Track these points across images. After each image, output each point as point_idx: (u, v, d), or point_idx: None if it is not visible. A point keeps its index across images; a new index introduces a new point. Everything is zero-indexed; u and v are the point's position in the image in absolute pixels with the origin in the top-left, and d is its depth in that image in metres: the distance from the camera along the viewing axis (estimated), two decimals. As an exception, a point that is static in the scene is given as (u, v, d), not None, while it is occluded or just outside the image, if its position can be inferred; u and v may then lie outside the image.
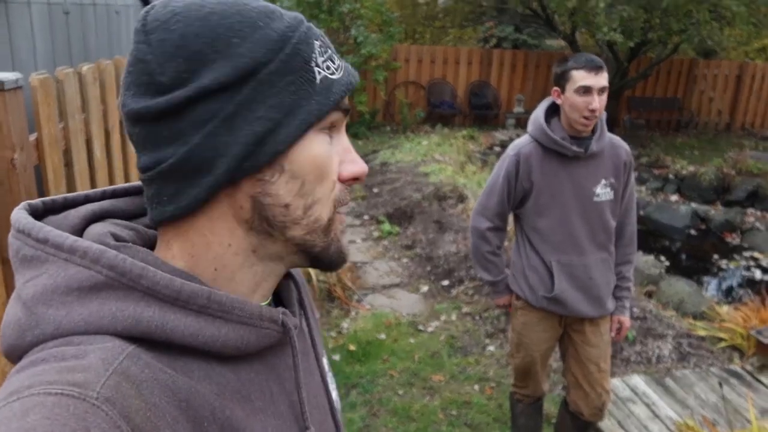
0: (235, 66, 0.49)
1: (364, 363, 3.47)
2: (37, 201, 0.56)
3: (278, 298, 0.65)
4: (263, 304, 0.60)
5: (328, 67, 0.54)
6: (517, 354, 2.31)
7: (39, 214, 0.55)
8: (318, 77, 0.53)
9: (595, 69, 1.93)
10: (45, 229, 0.50)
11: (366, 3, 10.30)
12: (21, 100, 1.70)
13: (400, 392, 3.22)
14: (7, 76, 1.61)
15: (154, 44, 0.49)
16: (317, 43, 0.54)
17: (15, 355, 0.48)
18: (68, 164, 2.30)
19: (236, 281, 0.56)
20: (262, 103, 0.50)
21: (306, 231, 0.56)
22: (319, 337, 0.71)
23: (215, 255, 0.54)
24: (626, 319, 2.23)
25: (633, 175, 2.16)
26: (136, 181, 0.62)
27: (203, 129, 0.49)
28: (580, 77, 1.94)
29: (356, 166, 0.58)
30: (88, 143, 2.55)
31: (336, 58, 0.57)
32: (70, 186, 2.25)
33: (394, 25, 10.68)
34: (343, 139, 0.58)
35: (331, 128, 0.56)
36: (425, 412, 3.06)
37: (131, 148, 3.24)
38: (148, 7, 0.52)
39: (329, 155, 0.56)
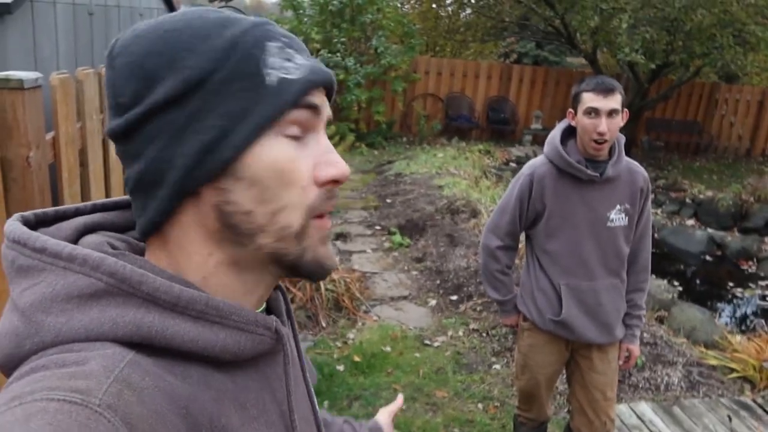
0: (183, 79, 0.50)
1: (368, 375, 3.45)
2: (29, 213, 0.57)
3: (268, 309, 0.65)
4: (257, 311, 0.60)
5: (285, 68, 0.53)
6: (522, 376, 2.28)
7: (31, 226, 0.56)
8: (270, 79, 0.52)
9: (605, 91, 1.91)
10: (42, 238, 0.51)
11: (388, 14, 10.36)
12: (40, 99, 1.72)
13: (403, 407, 3.19)
14: (27, 75, 1.63)
15: (117, 68, 0.52)
16: (274, 45, 0.53)
17: (11, 365, 0.48)
18: (83, 164, 2.32)
19: (225, 290, 0.56)
20: (211, 111, 0.51)
21: (275, 238, 0.54)
22: (303, 350, 0.72)
23: (197, 264, 0.55)
24: (635, 348, 2.19)
25: (650, 202, 2.13)
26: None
27: (156, 143, 0.51)
28: (589, 99, 1.93)
29: (334, 168, 0.55)
30: (105, 144, 2.58)
31: (299, 57, 0.55)
32: (84, 186, 2.27)
33: (416, 37, 10.71)
34: (320, 140, 0.56)
35: (305, 129, 0.55)
36: (427, 428, 3.02)
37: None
38: (120, 35, 0.55)
39: (293, 159, 0.54)
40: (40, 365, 0.45)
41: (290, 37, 0.57)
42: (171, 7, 4.93)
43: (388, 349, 3.74)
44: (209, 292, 0.55)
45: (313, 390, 0.71)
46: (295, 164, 0.54)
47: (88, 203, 0.61)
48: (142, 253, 0.59)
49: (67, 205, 0.60)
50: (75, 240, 0.55)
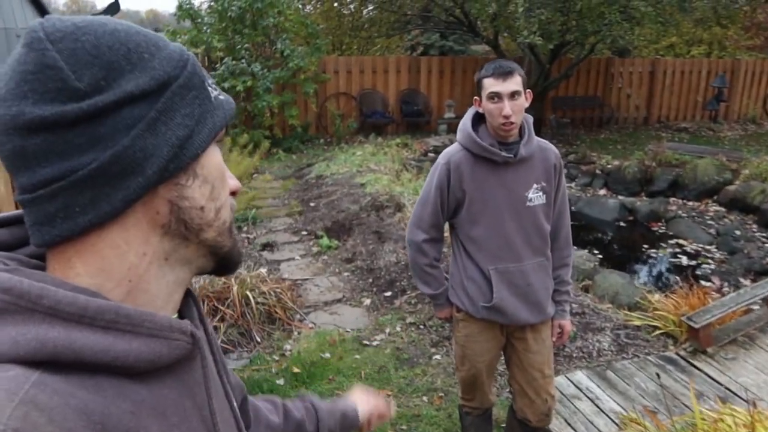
0: (153, 77, 0.52)
1: (310, 385, 3.38)
2: None
3: (180, 315, 0.66)
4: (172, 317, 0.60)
5: (215, 89, 0.60)
6: (462, 367, 2.28)
7: None
8: (213, 95, 0.59)
9: (503, 75, 1.93)
10: None
11: (290, 16, 10.21)
12: None
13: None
14: None
15: (65, 52, 0.49)
16: (203, 68, 0.60)
17: None
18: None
19: (151, 293, 0.57)
20: (177, 111, 0.54)
21: (217, 233, 0.60)
22: (220, 353, 0.72)
23: (130, 266, 0.54)
24: (567, 323, 2.24)
25: (564, 178, 2.18)
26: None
27: (130, 132, 0.51)
28: (489, 84, 1.95)
29: (233, 180, 0.64)
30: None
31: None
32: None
33: (320, 37, 10.63)
34: None
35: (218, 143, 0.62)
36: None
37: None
38: (40, 20, 0.52)
39: (223, 164, 0.62)
40: None
41: None
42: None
43: (328, 355, 3.68)
44: (134, 296, 0.55)
45: (231, 391, 0.71)
46: (225, 169, 0.62)
47: None
48: (37, 269, 0.55)
49: None
50: None
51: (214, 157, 0.59)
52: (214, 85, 0.60)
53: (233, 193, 0.64)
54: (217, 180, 0.59)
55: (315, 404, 1.02)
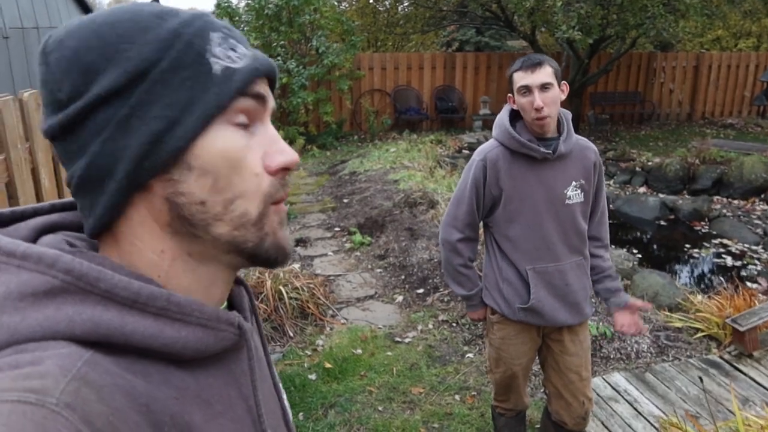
0: (125, 70, 0.49)
1: (342, 380, 3.38)
2: None
3: (230, 305, 0.66)
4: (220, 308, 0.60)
5: (228, 57, 0.53)
6: (496, 369, 2.23)
7: None
8: (215, 68, 0.52)
9: (531, 67, 1.88)
10: None
11: (326, 13, 10.25)
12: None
13: (380, 408, 3.13)
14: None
15: (51, 64, 0.50)
16: (216, 35, 0.53)
17: None
18: (12, 196, 2.19)
19: (184, 287, 0.56)
20: (156, 102, 0.50)
21: (232, 227, 0.54)
22: (266, 346, 0.72)
23: (151, 262, 0.54)
24: (637, 301, 2.14)
25: (603, 177, 2.11)
26: None
27: (100, 136, 0.50)
28: (519, 78, 1.91)
29: (284, 155, 0.56)
30: (34, 173, 2.43)
31: (241, 47, 0.55)
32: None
33: (356, 34, 10.64)
34: (267, 130, 0.57)
35: (252, 119, 0.55)
36: (406, 427, 2.97)
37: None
38: (53, 31, 0.53)
39: (242, 147, 0.54)
40: None
41: (231, 29, 0.56)
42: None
43: (359, 351, 3.67)
44: (169, 289, 0.54)
45: (280, 384, 0.71)
46: (246, 152, 0.54)
47: (46, 203, 0.60)
48: None
49: (25, 206, 0.59)
50: (33, 240, 0.54)
51: (216, 144, 0.52)
52: (233, 49, 0.53)
53: (285, 170, 0.56)
54: (222, 169, 0.52)
55: None
